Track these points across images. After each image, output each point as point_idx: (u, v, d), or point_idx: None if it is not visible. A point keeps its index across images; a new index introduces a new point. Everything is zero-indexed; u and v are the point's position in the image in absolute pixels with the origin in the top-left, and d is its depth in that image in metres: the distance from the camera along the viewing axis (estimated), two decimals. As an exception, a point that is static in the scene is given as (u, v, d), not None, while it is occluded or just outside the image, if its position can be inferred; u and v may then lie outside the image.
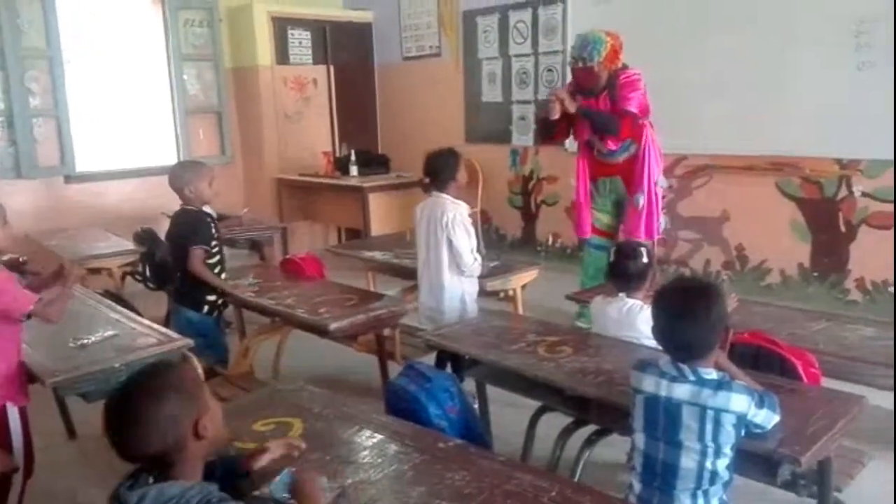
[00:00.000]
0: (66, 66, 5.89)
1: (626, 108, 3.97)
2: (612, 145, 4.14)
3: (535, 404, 2.59)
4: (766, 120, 4.66)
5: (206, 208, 3.69)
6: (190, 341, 2.49)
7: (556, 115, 4.05)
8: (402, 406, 2.10)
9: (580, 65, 3.99)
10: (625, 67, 4.05)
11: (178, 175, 3.36)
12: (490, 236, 6.51)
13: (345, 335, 3.02)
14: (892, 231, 4.29)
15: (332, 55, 7.09)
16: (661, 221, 4.30)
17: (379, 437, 1.84)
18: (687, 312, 1.74)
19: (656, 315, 1.81)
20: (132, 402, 1.33)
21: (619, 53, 4.04)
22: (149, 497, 1.29)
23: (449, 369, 2.87)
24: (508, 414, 2.92)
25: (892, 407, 2.84)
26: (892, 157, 4.20)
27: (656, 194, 4.17)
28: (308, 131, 6.97)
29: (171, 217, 3.45)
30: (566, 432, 2.34)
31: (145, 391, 1.34)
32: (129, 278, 4.78)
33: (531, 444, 2.63)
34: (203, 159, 5.99)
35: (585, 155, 4.32)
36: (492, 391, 2.78)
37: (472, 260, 3.34)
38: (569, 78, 5.71)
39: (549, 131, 4.35)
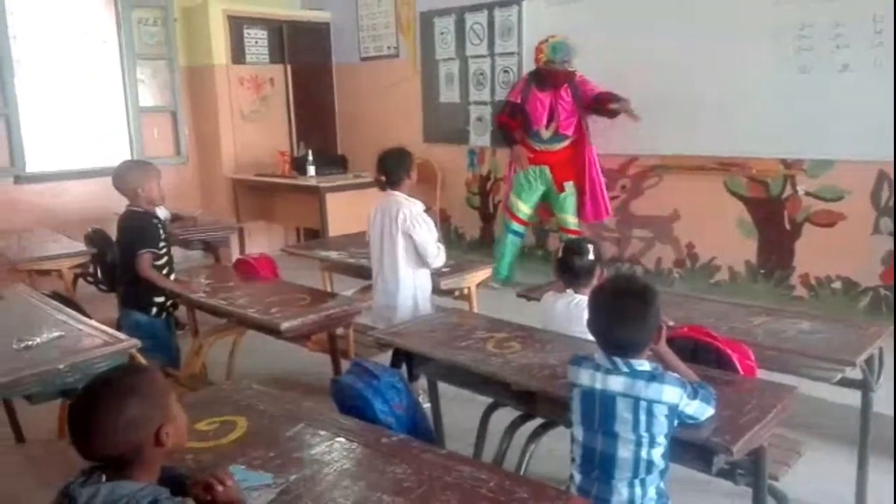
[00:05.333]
0: (17, 66, 5.79)
1: (599, 89, 4.93)
2: (564, 128, 5.03)
3: (487, 401, 2.62)
4: (715, 121, 4.78)
5: (160, 210, 3.65)
6: (137, 342, 2.46)
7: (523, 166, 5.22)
8: (348, 403, 2.12)
9: (559, 66, 4.90)
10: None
11: (128, 176, 3.30)
12: (449, 236, 6.55)
13: (297, 335, 3.01)
14: (834, 228, 4.44)
15: (290, 55, 7.07)
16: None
17: (323, 433, 1.85)
18: (623, 314, 1.79)
19: (593, 313, 1.85)
20: (96, 402, 1.33)
21: None
22: (100, 495, 1.29)
23: (404, 367, 2.90)
24: (463, 411, 2.95)
25: (827, 396, 2.96)
26: (831, 157, 4.36)
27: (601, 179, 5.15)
28: (265, 131, 6.94)
29: (118, 219, 3.40)
30: (513, 427, 2.37)
31: (110, 393, 1.34)
32: (81, 280, 4.72)
33: (483, 440, 2.67)
34: (158, 159, 5.96)
35: (523, 145, 5.19)
36: (447, 389, 2.80)
37: (437, 250, 3.39)
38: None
39: (507, 138, 5.32)
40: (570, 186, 5.15)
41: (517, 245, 5.42)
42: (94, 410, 1.32)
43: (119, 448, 1.32)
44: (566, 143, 5.10)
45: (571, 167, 5.12)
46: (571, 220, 5.21)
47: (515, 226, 5.35)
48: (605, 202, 5.16)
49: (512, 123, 5.18)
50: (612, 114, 4.90)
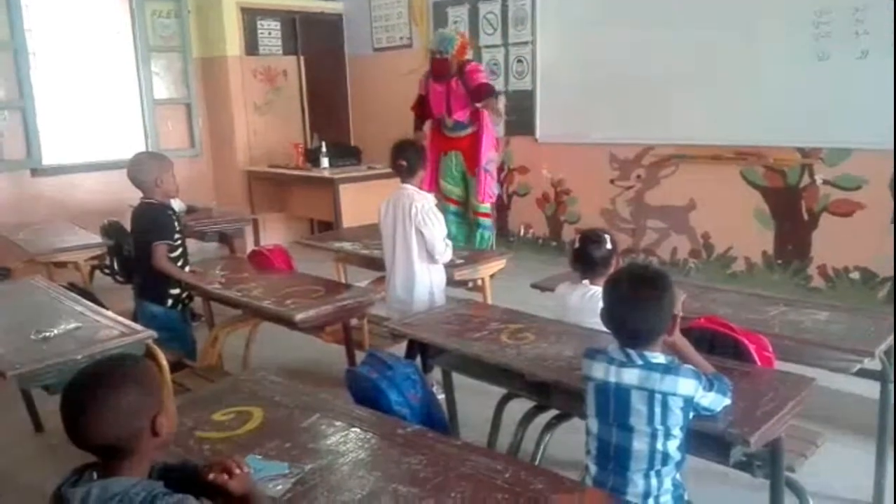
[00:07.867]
0: (32, 58, 5.82)
1: (481, 81, 5.11)
2: (459, 116, 5.18)
3: (502, 392, 2.62)
4: (731, 110, 4.74)
5: (175, 202, 3.66)
6: (153, 333, 2.48)
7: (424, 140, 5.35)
8: (363, 394, 2.12)
9: (437, 56, 5.09)
10: (470, 61, 5.27)
11: (145, 168, 3.29)
12: (462, 227, 6.54)
13: (312, 326, 3.02)
14: (852, 218, 4.39)
15: (303, 46, 7.07)
16: (494, 188, 5.45)
17: (338, 423, 1.86)
18: (637, 301, 1.77)
19: (607, 302, 1.84)
20: (92, 388, 1.30)
21: (467, 49, 5.28)
22: (93, 494, 1.26)
23: (419, 358, 2.90)
24: (477, 402, 2.94)
25: (845, 387, 2.93)
26: (849, 146, 4.30)
27: (486, 169, 5.31)
28: (278, 123, 6.95)
29: (132, 211, 3.41)
30: (527, 418, 2.37)
31: (107, 379, 1.31)
32: (98, 272, 4.75)
33: (497, 431, 2.67)
34: (172, 151, 5.99)
35: (435, 131, 5.42)
36: (462, 380, 2.80)
37: (444, 247, 3.38)
38: (539, 68, 5.83)
39: (420, 122, 5.56)
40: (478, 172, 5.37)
41: (452, 225, 5.49)
42: (93, 396, 1.29)
43: (116, 435, 1.28)
44: (469, 130, 5.28)
45: (479, 152, 5.33)
46: (482, 205, 5.44)
47: (452, 207, 5.53)
48: (485, 188, 5.33)
49: (418, 112, 5.52)
50: (484, 106, 5.13)
